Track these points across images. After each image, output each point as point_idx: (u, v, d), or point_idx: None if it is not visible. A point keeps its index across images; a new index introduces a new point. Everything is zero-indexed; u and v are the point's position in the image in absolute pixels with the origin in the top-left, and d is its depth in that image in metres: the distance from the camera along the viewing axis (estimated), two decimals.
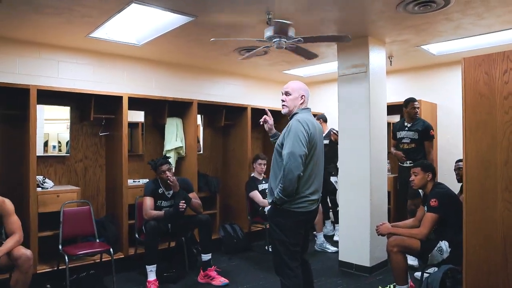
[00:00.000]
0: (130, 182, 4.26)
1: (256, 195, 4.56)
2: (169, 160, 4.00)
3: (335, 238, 5.05)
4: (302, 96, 2.64)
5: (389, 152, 4.30)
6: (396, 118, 5.02)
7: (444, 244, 2.87)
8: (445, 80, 5.11)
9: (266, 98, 6.05)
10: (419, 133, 4.26)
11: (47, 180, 3.79)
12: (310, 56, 3.65)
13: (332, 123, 5.39)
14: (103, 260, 3.78)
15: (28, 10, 3.05)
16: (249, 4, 2.97)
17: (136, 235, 3.93)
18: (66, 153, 4.13)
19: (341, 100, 4.10)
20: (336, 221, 5.17)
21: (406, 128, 4.36)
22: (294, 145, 2.39)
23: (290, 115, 2.66)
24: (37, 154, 3.57)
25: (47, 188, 3.71)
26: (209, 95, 5.36)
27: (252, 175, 4.88)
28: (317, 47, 4.09)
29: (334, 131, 5.04)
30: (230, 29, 3.56)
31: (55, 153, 4.08)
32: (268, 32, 3.15)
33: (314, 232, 4.90)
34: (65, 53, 4.13)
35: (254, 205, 4.65)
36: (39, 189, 3.62)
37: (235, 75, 5.72)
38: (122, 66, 4.56)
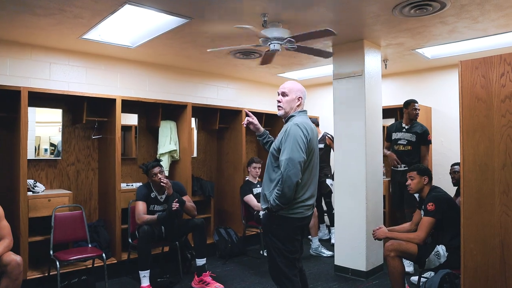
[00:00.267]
0: (123, 186, 4.20)
1: (250, 199, 4.52)
2: (163, 163, 3.95)
3: (333, 241, 5.01)
4: (299, 98, 2.55)
5: (384, 156, 4.28)
6: (390, 122, 5.01)
7: (441, 248, 2.85)
8: (440, 83, 5.13)
9: (261, 101, 6.03)
10: (417, 136, 4.18)
11: (38, 184, 3.72)
12: (324, 55, 3.53)
13: (328, 127, 5.38)
14: (95, 265, 3.71)
15: (18, 10, 2.99)
16: (244, 6, 2.94)
17: (129, 240, 3.86)
18: (55, 156, 4.04)
19: (336, 103, 4.09)
20: (331, 224, 5.14)
21: (404, 130, 4.26)
22: (293, 151, 2.29)
23: (286, 118, 2.56)
24: (28, 157, 3.50)
25: (38, 192, 3.64)
26: (204, 98, 5.32)
27: (246, 178, 4.84)
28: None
29: (329, 136, 5.02)
30: (225, 31, 3.53)
31: (47, 156, 4.01)
32: (262, 36, 3.12)
33: (309, 236, 4.88)
34: (57, 54, 4.07)
35: (249, 209, 4.61)
36: (29, 193, 3.55)
37: (229, 78, 5.69)
38: (116, 68, 4.50)
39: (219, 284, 3.59)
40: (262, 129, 2.76)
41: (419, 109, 4.27)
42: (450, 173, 3.98)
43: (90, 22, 3.27)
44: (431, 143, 4.28)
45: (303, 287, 2.56)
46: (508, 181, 2.22)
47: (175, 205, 3.51)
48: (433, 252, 2.84)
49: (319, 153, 2.68)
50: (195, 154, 5.16)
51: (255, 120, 2.71)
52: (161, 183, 3.61)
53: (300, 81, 5.86)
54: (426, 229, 2.87)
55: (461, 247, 2.38)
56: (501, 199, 2.25)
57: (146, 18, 3.30)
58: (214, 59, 4.60)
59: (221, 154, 5.42)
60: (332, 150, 4.78)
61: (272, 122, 5.70)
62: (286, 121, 2.55)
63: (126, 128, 4.52)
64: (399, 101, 5.14)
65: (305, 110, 2.60)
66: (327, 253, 4.64)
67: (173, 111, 4.72)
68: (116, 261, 3.94)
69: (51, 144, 4.05)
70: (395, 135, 4.34)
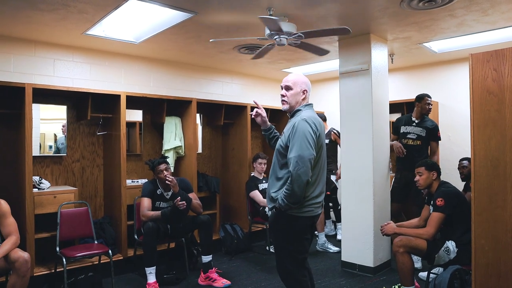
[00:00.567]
0: (128, 182, 4.18)
1: (256, 194, 4.50)
2: (168, 160, 3.92)
3: (338, 237, 4.99)
4: (304, 90, 2.42)
5: (392, 151, 4.22)
6: (396, 117, 4.95)
7: (451, 244, 2.82)
8: (446, 78, 5.07)
9: (266, 97, 5.99)
10: (428, 131, 4.05)
11: (43, 180, 3.71)
12: (321, 52, 3.54)
13: (334, 122, 5.34)
14: (101, 262, 3.71)
15: (21, 6, 2.96)
16: (250, 0, 2.90)
17: (135, 236, 3.86)
18: (54, 153, 4.01)
19: (343, 98, 4.04)
20: (337, 220, 5.11)
21: (414, 124, 4.12)
22: (302, 148, 2.18)
23: (291, 112, 2.44)
24: (33, 154, 3.49)
25: (44, 189, 3.63)
26: (208, 93, 5.29)
27: (252, 174, 4.82)
28: (318, 44, 4.02)
29: (335, 131, 4.98)
30: (230, 26, 3.49)
31: (51, 153, 4.00)
32: (267, 29, 3.08)
33: (316, 232, 4.85)
34: (61, 51, 4.04)
35: (255, 205, 4.59)
36: (35, 190, 3.54)
37: (234, 73, 5.65)
38: (120, 64, 4.48)
39: (226, 280, 3.58)
40: (269, 123, 2.65)
41: (432, 104, 4.15)
42: (458, 168, 3.94)
43: (94, 18, 3.24)
44: (440, 139, 4.19)
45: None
46: None
47: (182, 204, 3.48)
48: (442, 248, 2.81)
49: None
50: (200, 150, 5.14)
51: (263, 112, 2.58)
52: (167, 181, 3.59)
53: (306, 76, 5.80)
54: (435, 224, 2.84)
55: (472, 243, 2.34)
56: None
57: (150, 13, 3.27)
58: (218, 54, 4.56)
59: (226, 150, 5.40)
60: (338, 145, 4.74)
61: (278, 118, 5.65)
62: (292, 116, 2.43)
63: (130, 125, 4.50)
64: (405, 96, 5.10)
65: (311, 104, 2.48)
66: (333, 249, 4.62)
67: (177, 107, 4.69)
68: (122, 258, 3.94)
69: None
70: (403, 129, 4.18)
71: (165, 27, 3.50)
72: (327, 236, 5.04)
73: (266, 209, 4.35)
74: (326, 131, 5.01)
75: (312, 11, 3.17)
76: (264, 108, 2.64)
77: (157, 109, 4.60)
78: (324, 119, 5.25)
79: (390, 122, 4.28)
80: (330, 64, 5.14)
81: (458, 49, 4.38)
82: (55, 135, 4.04)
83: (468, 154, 4.02)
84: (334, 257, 4.41)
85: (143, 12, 3.23)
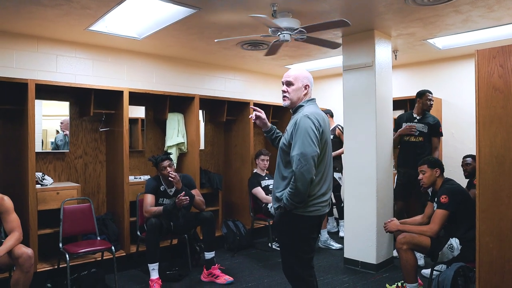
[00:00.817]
0: (131, 178, 4.19)
1: (259, 191, 4.49)
2: (171, 156, 3.92)
3: (341, 234, 4.99)
4: (306, 85, 2.34)
5: (395, 148, 4.19)
6: (399, 114, 4.92)
7: (454, 242, 2.80)
8: (450, 74, 5.04)
9: (269, 93, 5.98)
10: (430, 127, 4.04)
11: (46, 177, 3.71)
12: (332, 45, 3.46)
13: (337, 119, 5.32)
14: (104, 258, 3.72)
15: (24, 1, 2.95)
16: None
17: (138, 233, 3.86)
18: (53, 149, 4.01)
19: (346, 95, 4.02)
20: (340, 217, 5.11)
21: (416, 120, 4.11)
22: (304, 145, 2.12)
23: (293, 108, 2.37)
24: (35, 150, 3.49)
25: (47, 185, 3.64)
26: (211, 90, 5.27)
27: (254, 171, 4.81)
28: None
29: (340, 127, 4.96)
30: (233, 22, 3.47)
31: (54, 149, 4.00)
32: (273, 26, 3.06)
33: None
34: (64, 46, 4.03)
35: (257, 201, 4.58)
36: (38, 186, 3.55)
37: (237, 69, 5.63)
38: (123, 60, 4.46)
39: (229, 277, 3.58)
40: (269, 124, 2.56)
41: (433, 100, 4.13)
42: (462, 165, 3.92)
43: (97, 13, 3.23)
44: (442, 135, 4.18)
45: None
46: None
47: (186, 200, 3.48)
48: (446, 245, 2.80)
49: None
50: (202, 147, 5.13)
51: (262, 115, 2.51)
52: (169, 178, 3.58)
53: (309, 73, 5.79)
54: (439, 221, 2.82)
55: (476, 240, 2.33)
56: None
57: (153, 8, 3.25)
58: (221, 50, 4.54)
59: (229, 146, 5.39)
60: (342, 142, 4.73)
61: (280, 114, 5.64)
62: (294, 112, 2.37)
63: (133, 121, 4.49)
64: (408, 93, 5.07)
65: (313, 98, 2.40)
66: (336, 245, 4.62)
67: (180, 103, 4.68)
68: (125, 254, 3.94)
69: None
70: (405, 126, 4.16)
71: (168, 23, 3.48)
72: (329, 233, 5.04)
73: (269, 205, 4.36)
74: (332, 127, 4.99)
75: (316, 6, 3.15)
76: (267, 105, 2.62)
77: (160, 105, 4.59)
78: (331, 115, 5.24)
79: (393, 119, 4.26)
80: (333, 61, 5.11)
81: (462, 45, 4.35)
82: (57, 131, 4.04)
83: (471, 151, 4.03)
84: (336, 254, 4.41)
85: (146, 7, 3.21)
